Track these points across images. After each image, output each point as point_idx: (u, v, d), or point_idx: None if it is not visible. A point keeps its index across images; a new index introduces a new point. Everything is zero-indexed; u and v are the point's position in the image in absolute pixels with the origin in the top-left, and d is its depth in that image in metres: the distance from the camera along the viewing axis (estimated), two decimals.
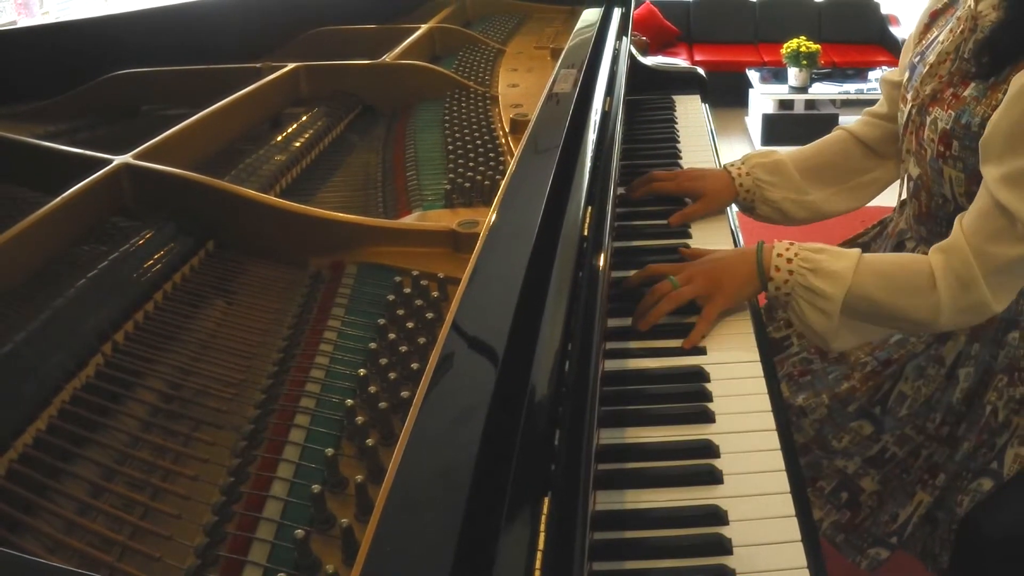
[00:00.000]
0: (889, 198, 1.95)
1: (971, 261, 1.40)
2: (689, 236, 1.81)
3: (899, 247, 1.72)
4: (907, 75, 1.69)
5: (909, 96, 1.64)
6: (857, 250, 1.48)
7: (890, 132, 1.83)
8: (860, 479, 1.65)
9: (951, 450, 1.60)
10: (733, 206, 1.93)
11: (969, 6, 1.52)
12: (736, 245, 1.79)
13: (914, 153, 1.61)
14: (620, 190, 1.89)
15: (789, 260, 1.49)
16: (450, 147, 1.69)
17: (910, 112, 1.62)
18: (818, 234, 2.06)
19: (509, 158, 1.60)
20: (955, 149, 1.49)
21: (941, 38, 1.61)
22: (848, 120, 7.16)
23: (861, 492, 1.65)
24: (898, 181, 1.79)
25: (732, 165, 1.90)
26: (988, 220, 1.40)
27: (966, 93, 1.48)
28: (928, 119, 1.55)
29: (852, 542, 1.67)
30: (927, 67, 1.59)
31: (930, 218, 1.61)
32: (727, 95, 7.50)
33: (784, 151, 1.92)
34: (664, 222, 1.85)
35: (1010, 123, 1.35)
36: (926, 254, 1.63)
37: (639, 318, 1.50)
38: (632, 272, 1.62)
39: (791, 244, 1.51)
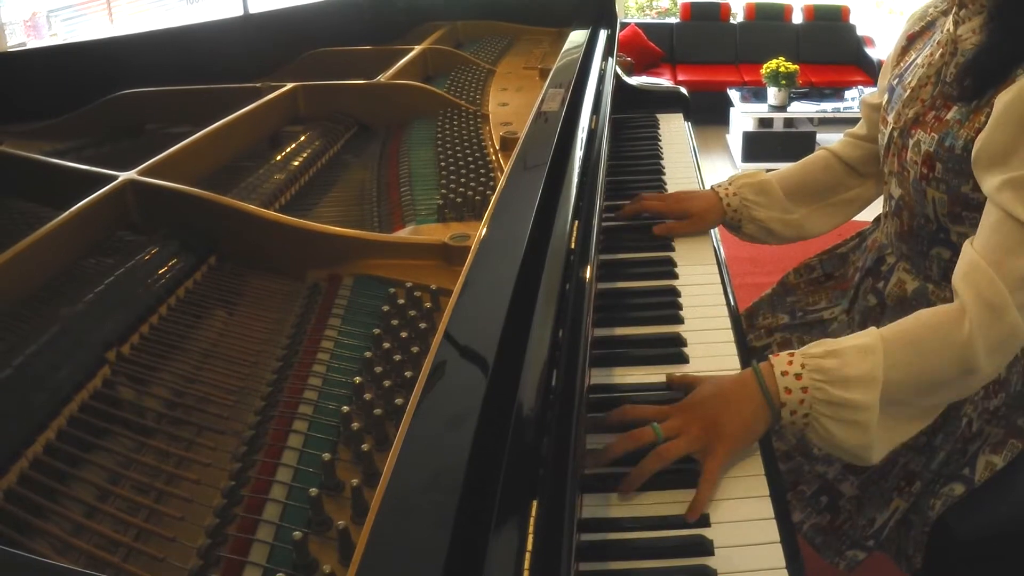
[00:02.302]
0: (865, 212, 1.96)
1: (995, 279, 1.28)
2: (672, 250, 1.82)
3: (879, 261, 1.72)
4: (886, 97, 1.69)
5: (890, 119, 1.63)
6: (874, 337, 1.29)
7: (870, 152, 1.84)
8: (840, 484, 1.65)
9: (927, 459, 1.60)
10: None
11: (948, 30, 1.52)
12: (718, 260, 1.79)
13: (896, 175, 1.61)
14: (606, 204, 1.89)
15: (798, 376, 1.26)
16: (442, 164, 1.70)
17: (891, 135, 1.61)
18: (797, 246, 2.07)
19: (499, 174, 1.60)
20: (938, 171, 1.47)
21: (919, 61, 1.60)
22: (826, 137, 7.21)
23: (840, 497, 1.65)
24: (878, 199, 1.79)
25: (719, 186, 1.90)
26: (1001, 233, 1.32)
27: (949, 116, 1.47)
28: (911, 141, 1.54)
29: (831, 544, 1.67)
30: (908, 91, 1.59)
31: (912, 236, 1.60)
32: (709, 114, 7.51)
33: (769, 173, 1.92)
34: (649, 236, 1.86)
35: (1004, 137, 1.33)
36: (907, 269, 1.64)
37: (608, 463, 1.24)
38: (621, 283, 1.63)
39: (791, 354, 1.29)
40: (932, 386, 1.31)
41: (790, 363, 1.27)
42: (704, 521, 1.14)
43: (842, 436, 1.26)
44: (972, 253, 1.34)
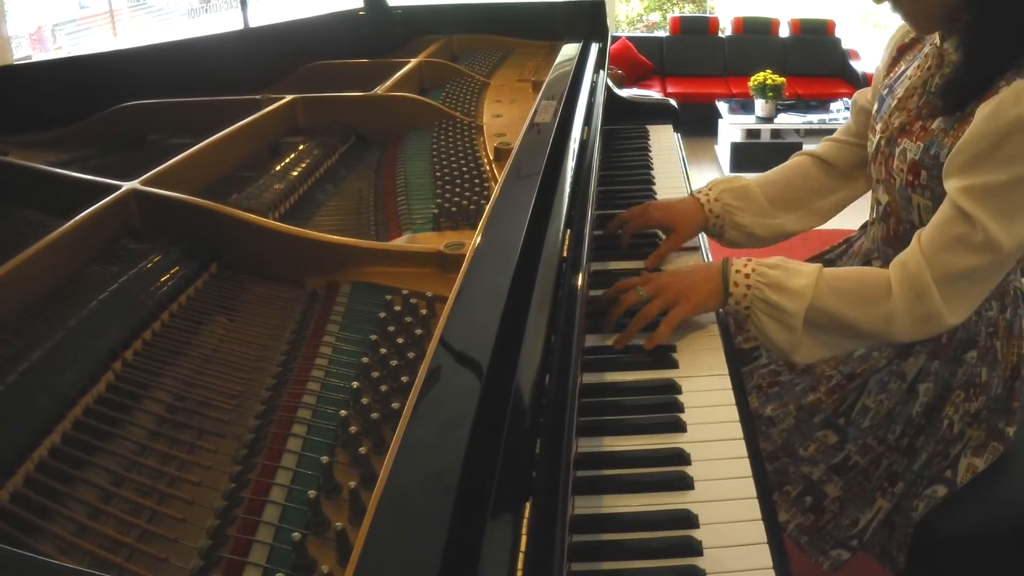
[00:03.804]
0: (852, 220, 1.96)
1: (924, 269, 1.39)
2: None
3: (865, 265, 1.73)
4: (876, 107, 1.69)
5: (878, 128, 1.63)
6: (816, 265, 1.48)
7: (855, 152, 1.83)
8: (824, 485, 1.65)
9: (910, 460, 1.61)
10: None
11: (935, 43, 1.52)
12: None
13: (883, 181, 1.61)
14: (598, 213, 1.89)
15: (747, 276, 1.49)
16: (438, 174, 1.70)
17: (879, 143, 1.61)
18: (784, 254, 2.07)
19: (493, 184, 1.60)
20: (923, 178, 1.48)
21: (909, 73, 1.61)
22: (812, 148, 7.20)
23: (825, 497, 1.65)
24: (859, 201, 1.79)
25: (700, 192, 1.86)
26: (946, 229, 1.39)
27: (934, 126, 1.47)
28: (897, 150, 1.54)
29: (815, 544, 1.67)
30: (896, 100, 1.59)
31: (897, 241, 1.61)
32: (698, 125, 7.51)
33: (748, 177, 1.90)
34: (639, 243, 1.86)
35: (976, 145, 1.34)
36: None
37: (610, 330, 1.55)
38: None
39: (749, 260, 1.52)
40: (846, 329, 1.47)
41: (745, 265, 1.51)
42: (693, 522, 1.14)
43: (771, 329, 1.48)
44: (916, 244, 1.44)
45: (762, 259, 1.52)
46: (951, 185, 1.39)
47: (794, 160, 1.94)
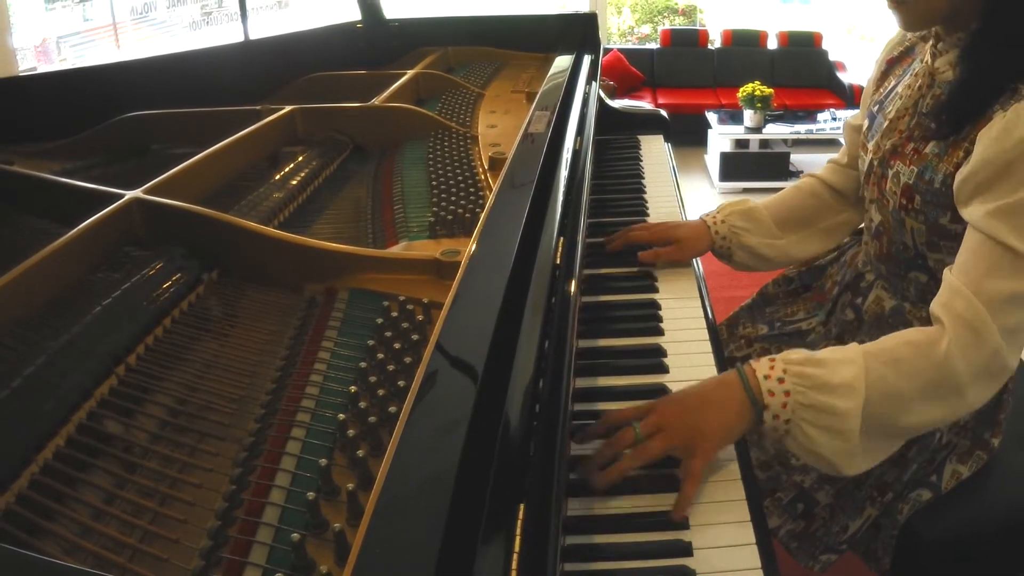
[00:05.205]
0: None
1: (974, 302, 1.23)
2: (653, 264, 1.80)
3: (858, 278, 1.71)
4: (866, 124, 1.66)
5: (870, 147, 1.60)
6: (856, 351, 1.25)
7: (855, 177, 1.79)
8: (816, 492, 1.64)
9: (900, 471, 1.60)
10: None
11: (926, 62, 1.48)
12: (697, 275, 1.79)
13: (876, 201, 1.58)
14: (590, 221, 1.89)
15: (780, 380, 1.22)
16: (434, 183, 1.70)
17: (871, 163, 1.58)
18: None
19: (488, 193, 1.60)
20: (917, 203, 1.44)
21: (899, 90, 1.56)
22: (799, 158, 7.20)
23: (816, 504, 1.64)
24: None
25: (708, 215, 1.84)
26: (981, 257, 1.26)
27: (927, 150, 1.42)
28: (890, 172, 1.50)
29: (805, 549, 1.67)
30: (887, 121, 1.55)
31: (890, 259, 1.59)
32: (688, 135, 7.53)
33: (756, 200, 1.88)
34: (630, 251, 1.86)
35: (988, 169, 1.27)
36: (885, 288, 1.63)
37: (593, 472, 1.19)
38: (604, 296, 1.64)
39: (772, 359, 1.25)
40: (912, 403, 1.24)
41: (772, 368, 1.23)
42: (683, 524, 1.14)
43: (822, 441, 1.21)
44: (951, 279, 1.29)
45: (786, 355, 1.26)
46: (972, 215, 1.30)
47: (803, 180, 1.92)
